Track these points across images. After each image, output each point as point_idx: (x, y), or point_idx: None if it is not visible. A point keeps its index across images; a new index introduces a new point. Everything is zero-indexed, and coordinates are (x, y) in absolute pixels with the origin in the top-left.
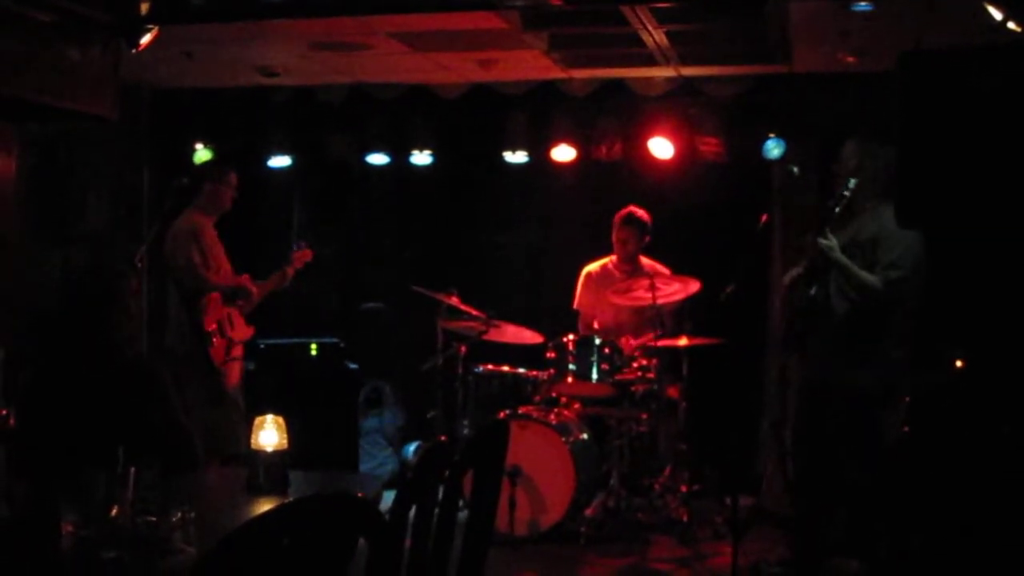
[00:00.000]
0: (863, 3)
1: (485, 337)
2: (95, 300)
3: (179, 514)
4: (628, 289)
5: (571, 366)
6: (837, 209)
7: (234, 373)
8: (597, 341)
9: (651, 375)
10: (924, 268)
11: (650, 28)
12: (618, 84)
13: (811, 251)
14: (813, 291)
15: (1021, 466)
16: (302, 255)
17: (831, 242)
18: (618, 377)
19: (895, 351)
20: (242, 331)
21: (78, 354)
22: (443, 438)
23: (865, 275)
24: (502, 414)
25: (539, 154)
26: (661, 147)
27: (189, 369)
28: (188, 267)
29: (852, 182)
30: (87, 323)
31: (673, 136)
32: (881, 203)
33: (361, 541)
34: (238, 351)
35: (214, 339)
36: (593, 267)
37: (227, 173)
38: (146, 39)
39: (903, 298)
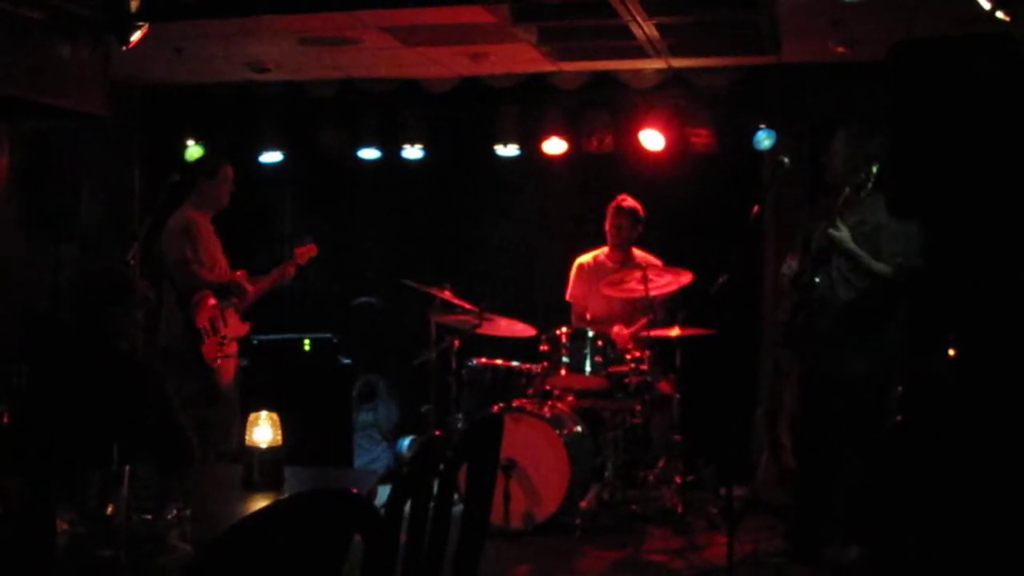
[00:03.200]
0: None
1: (478, 331)
2: (101, 298)
3: (175, 511)
4: (621, 280)
5: (564, 359)
6: (862, 194)
7: (228, 370)
8: (590, 333)
9: (644, 367)
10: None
11: (640, 20)
12: (608, 76)
13: (821, 241)
14: (818, 280)
15: (1015, 455)
16: (306, 250)
17: (843, 232)
18: (612, 369)
19: (898, 339)
20: (236, 328)
21: (74, 351)
22: (437, 432)
23: (876, 263)
24: (496, 407)
25: (530, 147)
26: (652, 139)
27: (183, 366)
28: (181, 263)
29: (875, 168)
30: (87, 321)
31: (664, 128)
32: (879, 193)
33: (357, 537)
34: (232, 348)
35: (206, 336)
36: (585, 259)
37: (221, 168)
38: (136, 36)
39: (908, 284)
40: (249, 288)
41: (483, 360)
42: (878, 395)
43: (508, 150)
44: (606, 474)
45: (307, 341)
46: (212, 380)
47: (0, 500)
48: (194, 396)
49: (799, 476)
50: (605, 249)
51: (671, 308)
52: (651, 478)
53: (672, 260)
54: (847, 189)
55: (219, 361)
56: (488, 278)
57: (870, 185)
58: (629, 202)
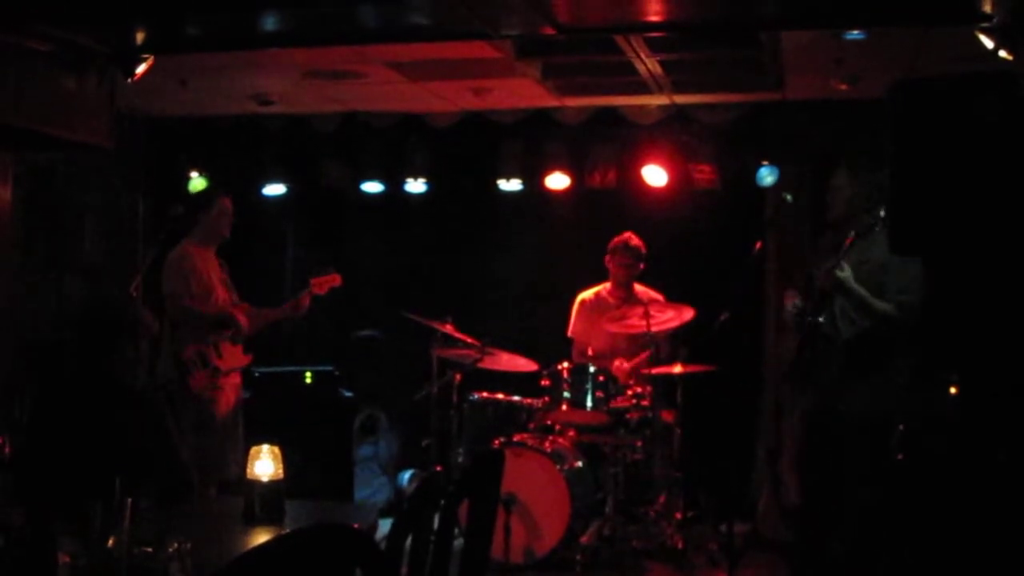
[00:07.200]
0: (856, 32)
1: (480, 365)
2: (104, 330)
3: (175, 545)
4: (623, 317)
5: (566, 394)
6: (871, 236)
7: (225, 401)
8: (591, 369)
9: (646, 402)
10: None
11: (643, 56)
12: (612, 112)
13: (824, 281)
14: (821, 319)
15: (1016, 492)
16: (327, 280)
17: (847, 272)
18: (613, 404)
19: (901, 375)
20: (236, 359)
21: (77, 383)
22: (439, 467)
23: (880, 303)
24: (497, 442)
25: (533, 182)
26: (655, 175)
27: (176, 397)
28: (170, 297)
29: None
30: (91, 352)
31: (667, 164)
32: (883, 229)
33: (358, 571)
34: (234, 379)
35: (192, 368)
36: (587, 294)
37: (217, 200)
38: (141, 68)
39: (911, 323)
40: (243, 321)
41: (484, 394)
42: (882, 433)
43: (511, 185)
44: (606, 509)
45: (308, 374)
46: (203, 410)
47: (2, 532)
48: (187, 426)
49: (803, 514)
50: (607, 285)
51: (673, 344)
52: (652, 513)
53: (674, 296)
54: (853, 231)
55: (210, 393)
56: (490, 312)
57: (878, 227)
58: (635, 240)
